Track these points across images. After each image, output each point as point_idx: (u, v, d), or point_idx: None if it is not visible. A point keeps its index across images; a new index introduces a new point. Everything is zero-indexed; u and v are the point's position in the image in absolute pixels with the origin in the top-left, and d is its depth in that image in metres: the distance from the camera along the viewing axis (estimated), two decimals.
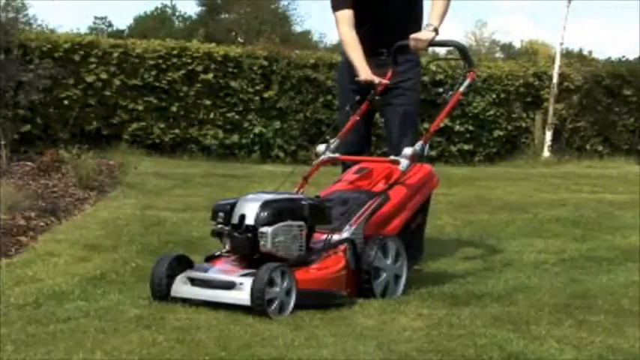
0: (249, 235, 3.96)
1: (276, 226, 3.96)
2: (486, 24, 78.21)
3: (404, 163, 4.52)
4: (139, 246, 5.27)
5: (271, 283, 3.74)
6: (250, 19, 41.98)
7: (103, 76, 11.25)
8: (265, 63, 12.21)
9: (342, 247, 4.17)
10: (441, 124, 13.24)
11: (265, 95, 12.15)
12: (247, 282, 3.76)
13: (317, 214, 4.14)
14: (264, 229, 3.94)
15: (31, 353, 3.15)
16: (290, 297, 3.82)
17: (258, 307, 3.70)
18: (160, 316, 3.66)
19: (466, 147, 12.98)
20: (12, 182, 7.81)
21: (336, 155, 4.83)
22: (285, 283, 3.80)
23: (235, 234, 3.99)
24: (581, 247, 5.74)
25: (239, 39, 37.21)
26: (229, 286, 3.83)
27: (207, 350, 3.21)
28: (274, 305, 3.75)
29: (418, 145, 4.58)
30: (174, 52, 11.74)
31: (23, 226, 5.85)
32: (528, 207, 7.57)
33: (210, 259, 4.14)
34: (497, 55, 44.43)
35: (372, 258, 4.16)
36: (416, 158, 4.55)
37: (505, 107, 13.39)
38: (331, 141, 4.83)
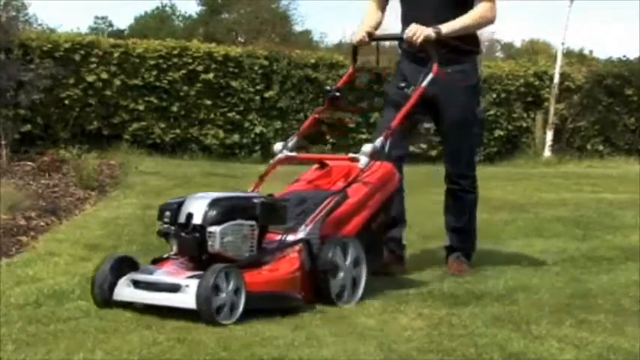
0: (197, 234, 3.77)
1: (225, 225, 3.78)
2: None
3: (363, 160, 4.37)
4: (140, 246, 5.26)
5: (218, 285, 3.55)
6: (251, 19, 41.98)
7: (104, 75, 11.26)
8: (266, 63, 12.22)
9: (296, 247, 3.98)
10: None
11: (266, 95, 12.16)
12: (193, 284, 3.58)
13: (269, 213, 3.95)
14: (212, 229, 3.76)
15: (32, 353, 3.14)
16: (239, 300, 3.62)
17: (204, 310, 3.52)
18: (160, 315, 3.66)
19: None
20: (12, 182, 7.82)
21: (294, 154, 4.69)
22: (233, 286, 3.61)
23: (182, 234, 3.81)
24: (582, 246, 5.74)
25: (239, 39, 37.23)
26: (174, 288, 3.65)
27: (207, 350, 3.21)
28: (222, 309, 3.57)
29: (378, 142, 4.42)
30: (175, 51, 11.74)
31: (24, 225, 5.86)
32: (529, 207, 7.57)
33: (158, 261, 3.96)
34: (498, 54, 44.44)
35: (329, 257, 3.96)
36: (375, 156, 4.40)
37: (505, 107, 13.40)
38: (289, 139, 4.71)
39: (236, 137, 11.98)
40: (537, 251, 5.57)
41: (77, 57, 11.14)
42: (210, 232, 3.76)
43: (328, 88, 4.90)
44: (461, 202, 4.98)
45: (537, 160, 13.00)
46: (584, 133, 13.84)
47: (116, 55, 11.38)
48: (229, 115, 11.99)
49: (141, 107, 11.49)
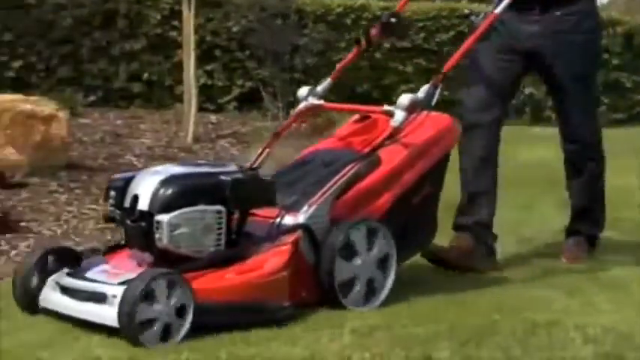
0: (143, 224, 2.93)
1: (177, 212, 2.89)
2: None
3: (398, 115, 3.37)
4: None
5: (150, 297, 2.73)
6: None
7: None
8: None
9: (291, 237, 3.08)
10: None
11: None
12: (121, 294, 2.76)
13: (245, 194, 3.04)
14: (159, 217, 2.89)
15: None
16: (183, 317, 2.79)
17: (126, 329, 2.70)
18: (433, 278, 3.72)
19: None
20: (289, 143, 8.22)
21: (321, 102, 3.72)
22: (174, 298, 2.77)
23: (127, 221, 2.98)
24: None
25: None
26: (100, 298, 2.83)
27: (481, 311, 3.23)
28: (155, 328, 2.74)
29: (422, 92, 3.50)
30: (444, 13, 11.75)
31: None
32: None
33: (112, 250, 3.16)
34: None
35: (340, 239, 3.09)
36: (418, 107, 3.44)
37: None
38: (322, 81, 3.84)
39: None
40: None
41: (348, 21, 11.43)
42: (157, 222, 2.90)
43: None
44: (578, 173, 4.08)
45: None
46: None
47: None
48: None
49: (409, 69, 11.61)
